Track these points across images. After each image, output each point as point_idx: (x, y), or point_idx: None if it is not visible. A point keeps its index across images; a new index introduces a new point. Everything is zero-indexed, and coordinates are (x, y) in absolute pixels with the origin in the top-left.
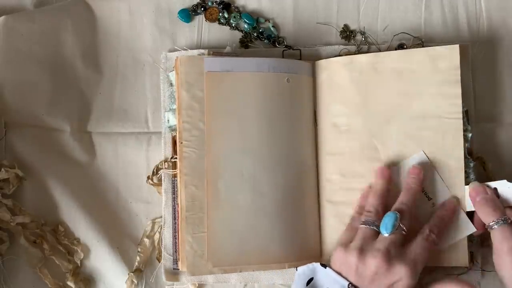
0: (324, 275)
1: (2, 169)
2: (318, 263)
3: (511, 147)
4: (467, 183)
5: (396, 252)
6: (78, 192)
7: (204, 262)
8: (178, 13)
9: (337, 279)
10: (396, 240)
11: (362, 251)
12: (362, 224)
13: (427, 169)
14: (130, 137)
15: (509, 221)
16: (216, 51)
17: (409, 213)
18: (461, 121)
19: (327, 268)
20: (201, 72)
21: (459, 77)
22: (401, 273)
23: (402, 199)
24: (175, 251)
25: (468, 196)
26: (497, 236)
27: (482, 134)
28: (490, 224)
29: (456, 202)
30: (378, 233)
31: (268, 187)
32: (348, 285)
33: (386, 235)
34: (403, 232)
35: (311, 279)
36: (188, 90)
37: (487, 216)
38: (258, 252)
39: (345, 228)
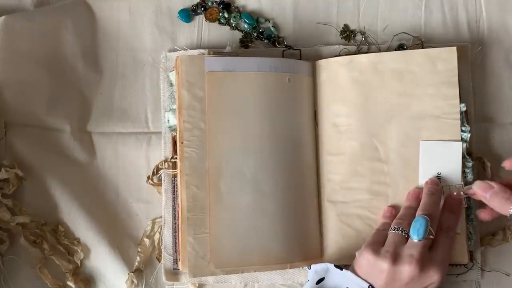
0: (340, 276)
1: (2, 169)
2: (332, 264)
3: (510, 147)
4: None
5: (427, 257)
6: (78, 192)
7: (206, 264)
8: (178, 13)
9: (358, 282)
10: (427, 245)
11: (395, 256)
12: (394, 229)
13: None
14: (130, 137)
15: None
16: (216, 51)
17: (435, 217)
18: (459, 122)
19: (344, 270)
20: (201, 71)
21: (456, 78)
22: (434, 277)
23: (425, 203)
24: (175, 251)
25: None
26: None
27: (481, 134)
28: (510, 212)
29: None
30: (407, 238)
31: (269, 187)
32: (368, 287)
33: (417, 240)
34: (431, 237)
35: (321, 279)
36: (189, 89)
37: (503, 207)
38: (260, 252)
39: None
